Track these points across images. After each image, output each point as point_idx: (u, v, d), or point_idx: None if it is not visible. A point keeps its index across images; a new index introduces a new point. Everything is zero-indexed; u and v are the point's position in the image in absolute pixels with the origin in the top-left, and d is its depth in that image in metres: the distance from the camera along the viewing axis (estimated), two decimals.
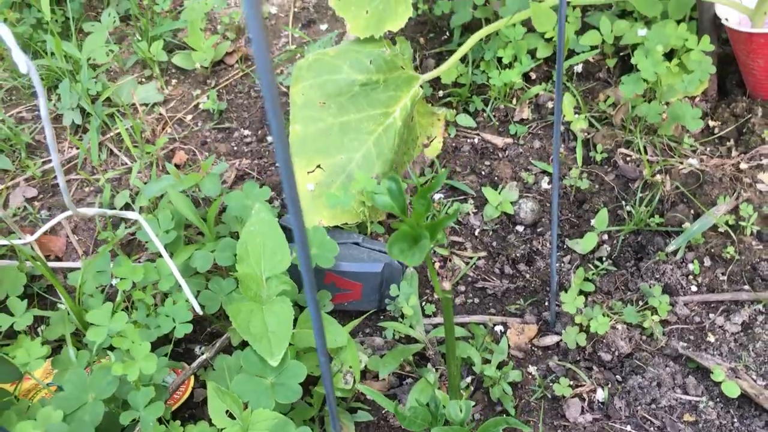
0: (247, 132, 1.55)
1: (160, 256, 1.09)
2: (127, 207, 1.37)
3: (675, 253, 1.17)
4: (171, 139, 1.54)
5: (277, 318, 0.95)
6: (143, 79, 1.67)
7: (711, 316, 1.10)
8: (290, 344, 1.00)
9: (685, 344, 1.07)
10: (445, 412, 0.86)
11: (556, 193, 0.96)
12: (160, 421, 0.95)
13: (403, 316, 1.16)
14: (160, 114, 1.59)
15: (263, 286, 1.00)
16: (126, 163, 1.47)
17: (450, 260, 1.25)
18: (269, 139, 1.53)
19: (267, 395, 0.90)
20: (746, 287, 1.12)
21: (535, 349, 1.12)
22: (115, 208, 1.38)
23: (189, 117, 1.59)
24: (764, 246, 1.16)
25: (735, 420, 0.97)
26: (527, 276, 1.22)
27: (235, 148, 1.52)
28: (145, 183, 1.41)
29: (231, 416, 0.91)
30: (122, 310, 1.07)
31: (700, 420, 0.98)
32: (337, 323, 1.03)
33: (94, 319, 0.93)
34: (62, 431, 0.86)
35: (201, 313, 1.06)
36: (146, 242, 1.15)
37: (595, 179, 1.32)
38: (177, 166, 1.48)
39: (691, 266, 1.16)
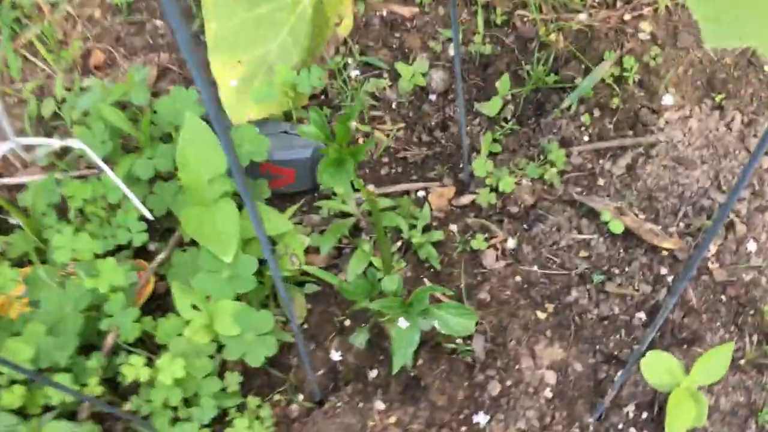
0: (159, 23, 1.57)
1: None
2: (55, 116, 1.42)
3: (569, 107, 1.31)
4: (85, 39, 1.55)
5: (225, 218, 1.07)
6: None
7: (600, 161, 1.26)
8: None
9: (580, 190, 1.24)
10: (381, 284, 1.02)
11: (458, 63, 1.06)
12: None
13: (335, 193, 1.29)
14: (68, 12, 1.59)
15: (206, 189, 1.11)
16: (44, 70, 1.49)
17: (371, 135, 1.37)
18: None
19: (226, 288, 1.04)
20: (629, 133, 1.28)
21: (454, 208, 1.27)
22: (43, 118, 1.43)
23: (98, 12, 1.59)
24: (645, 93, 1.31)
25: (621, 251, 1.17)
26: (443, 141, 1.35)
27: (151, 41, 1.54)
28: (69, 90, 1.44)
29: (195, 308, 1.05)
30: (77, 225, 1.16)
31: (592, 254, 1.17)
32: (277, 212, 1.16)
33: (58, 243, 1.03)
34: (50, 344, 0.98)
35: (152, 218, 1.16)
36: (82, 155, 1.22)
37: (496, 43, 1.42)
38: (96, 67, 1.51)
39: (583, 118, 1.30)
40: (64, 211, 1.22)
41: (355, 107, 0.74)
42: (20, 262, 1.22)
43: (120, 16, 1.57)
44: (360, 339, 1.06)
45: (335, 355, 1.12)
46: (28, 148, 1.30)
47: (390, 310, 0.94)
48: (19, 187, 1.33)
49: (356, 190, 1.32)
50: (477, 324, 1.11)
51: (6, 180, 1.35)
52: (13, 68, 1.46)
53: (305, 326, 1.17)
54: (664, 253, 1.15)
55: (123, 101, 1.36)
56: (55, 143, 1.02)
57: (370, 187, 1.24)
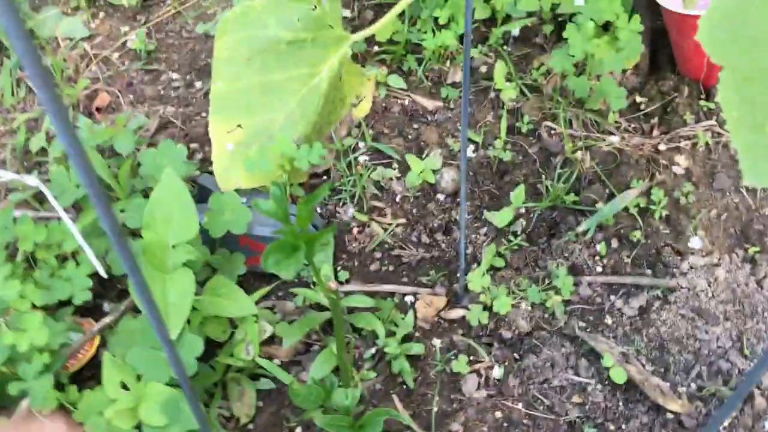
0: (175, 75, 1.50)
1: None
2: (43, 151, 1.34)
3: (585, 233, 1.19)
4: (94, 79, 1.48)
5: (178, 291, 0.95)
6: (68, 11, 1.59)
7: (611, 298, 1.13)
8: (195, 309, 1.01)
9: (584, 325, 1.10)
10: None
11: (464, 171, 0.96)
12: (57, 385, 0.96)
13: (315, 282, 1.17)
14: (85, 50, 1.53)
15: (169, 254, 1.00)
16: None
17: (368, 226, 1.26)
18: (197, 84, 1.49)
19: (162, 369, 0.91)
20: (648, 271, 1.15)
21: (442, 321, 1.14)
22: (29, 152, 1.34)
23: (116, 55, 1.53)
24: (671, 231, 1.18)
25: (620, 404, 1.02)
26: (443, 246, 1.23)
27: (162, 92, 1.48)
28: None
29: (126, 387, 0.92)
30: (24, 269, 1.05)
31: (587, 402, 1.02)
32: (242, 293, 1.04)
33: None
34: None
35: (105, 276, 1.05)
36: (55, 196, 1.13)
37: (518, 151, 1.32)
38: (98, 109, 1.44)
39: (599, 247, 1.18)
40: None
41: (320, 191, 0.63)
42: None
43: (137, 62, 1.51)
44: None
45: None
46: None
47: (335, 430, 0.80)
48: None
49: (339, 282, 1.20)
50: None
51: None
52: (7, 97, 1.40)
53: (250, 426, 1.03)
54: (669, 415, 1.00)
55: (115, 149, 1.28)
56: (6, 176, 0.92)
57: (332, 284, 1.12)
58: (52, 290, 1.02)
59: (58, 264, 1.06)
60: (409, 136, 1.36)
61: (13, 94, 1.42)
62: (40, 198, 1.26)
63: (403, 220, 1.26)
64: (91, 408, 0.92)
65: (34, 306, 1.01)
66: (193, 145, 1.37)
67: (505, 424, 1.01)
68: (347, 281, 1.19)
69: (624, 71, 1.39)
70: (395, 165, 1.33)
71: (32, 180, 0.94)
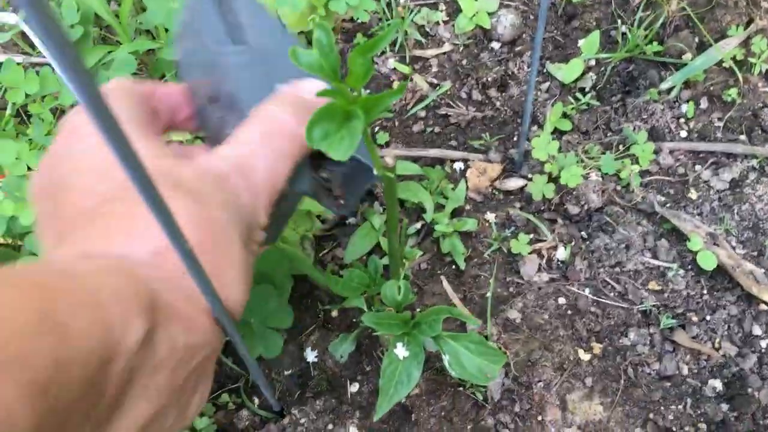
0: None
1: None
2: None
3: (669, 90, 1.01)
4: None
5: None
6: None
7: (697, 168, 0.97)
8: None
9: (664, 199, 0.95)
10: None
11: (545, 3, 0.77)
12: None
13: None
14: None
15: None
16: None
17: (411, 80, 1.08)
18: None
19: None
20: (743, 137, 0.98)
21: (497, 192, 1.00)
22: None
23: None
24: None
25: (705, 292, 0.89)
26: (498, 104, 1.06)
27: None
28: None
29: None
30: (16, 125, 0.91)
31: (666, 289, 0.89)
32: None
33: None
34: None
35: None
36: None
37: None
38: None
39: (684, 107, 1.01)
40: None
41: (386, 32, 0.46)
42: None
43: None
44: (342, 350, 0.80)
45: (311, 355, 0.87)
46: None
47: (386, 330, 0.68)
48: None
49: (378, 145, 1.04)
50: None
51: None
52: None
53: None
54: (763, 306, 0.87)
55: None
56: None
57: (389, 159, 0.97)
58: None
59: (55, 120, 0.91)
60: None
61: None
62: (30, 40, 1.09)
63: (451, 73, 1.08)
64: None
65: (29, 169, 0.87)
66: None
67: (569, 312, 0.89)
68: (387, 144, 1.04)
69: None
70: (442, 6, 1.13)
71: (13, 17, 0.76)
